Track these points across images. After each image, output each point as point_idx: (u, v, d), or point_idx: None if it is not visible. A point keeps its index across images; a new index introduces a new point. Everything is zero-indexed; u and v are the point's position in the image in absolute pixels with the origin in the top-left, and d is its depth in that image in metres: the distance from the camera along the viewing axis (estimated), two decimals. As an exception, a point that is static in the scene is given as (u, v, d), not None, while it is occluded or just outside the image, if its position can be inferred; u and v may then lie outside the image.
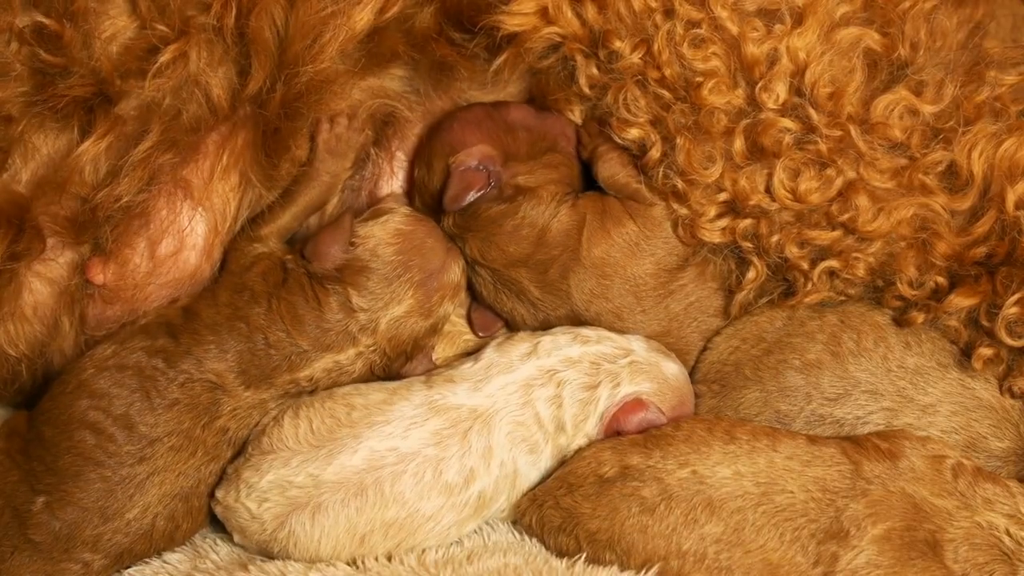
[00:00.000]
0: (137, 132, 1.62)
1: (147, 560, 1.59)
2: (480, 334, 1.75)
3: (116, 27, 1.59)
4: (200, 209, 1.69)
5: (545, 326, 1.71)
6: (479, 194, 1.69)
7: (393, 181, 1.81)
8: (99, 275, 1.67)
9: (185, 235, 1.70)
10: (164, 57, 1.58)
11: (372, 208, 1.74)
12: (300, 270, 1.65)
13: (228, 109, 1.65)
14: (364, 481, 1.55)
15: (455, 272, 1.70)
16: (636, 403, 1.62)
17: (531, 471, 1.62)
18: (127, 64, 1.59)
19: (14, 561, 1.54)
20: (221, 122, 1.67)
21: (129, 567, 1.59)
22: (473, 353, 1.69)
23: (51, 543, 1.54)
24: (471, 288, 1.76)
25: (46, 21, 1.54)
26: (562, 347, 1.64)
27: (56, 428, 1.57)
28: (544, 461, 1.63)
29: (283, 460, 1.57)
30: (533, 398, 1.61)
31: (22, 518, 1.54)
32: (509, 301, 1.73)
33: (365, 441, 1.56)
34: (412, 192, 1.79)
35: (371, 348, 1.65)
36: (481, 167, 1.70)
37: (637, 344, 1.67)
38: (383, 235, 1.67)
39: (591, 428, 1.62)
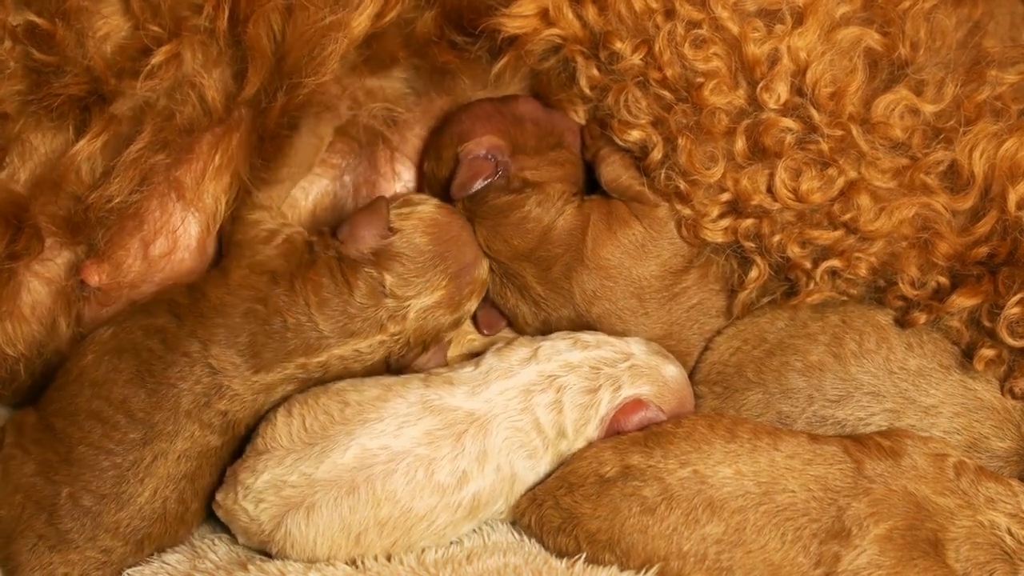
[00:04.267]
0: (132, 132, 1.61)
1: (147, 560, 1.60)
2: (485, 332, 1.76)
3: (110, 26, 1.59)
4: (192, 209, 1.69)
5: (546, 327, 1.72)
6: (486, 182, 1.70)
7: (394, 181, 1.81)
8: (94, 276, 1.66)
9: (178, 235, 1.69)
10: (157, 58, 1.57)
11: (402, 197, 1.73)
12: (329, 252, 1.63)
13: (223, 111, 1.64)
14: (356, 479, 1.53)
15: (484, 268, 1.71)
16: (636, 403, 1.62)
17: (529, 475, 1.61)
18: (121, 64, 1.59)
19: (36, 551, 1.55)
20: (215, 124, 1.66)
21: (150, 553, 1.60)
22: (474, 357, 1.68)
23: (77, 532, 1.54)
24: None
25: (38, 20, 1.54)
26: (562, 352, 1.63)
27: (66, 419, 1.57)
28: (543, 465, 1.61)
29: (277, 459, 1.55)
30: (533, 404, 1.60)
31: (50, 510, 1.54)
32: (513, 297, 1.73)
33: (357, 438, 1.55)
34: (423, 187, 1.80)
35: (396, 337, 1.64)
36: (489, 156, 1.71)
37: (636, 347, 1.66)
38: (419, 223, 1.66)
39: (591, 432, 1.61)
